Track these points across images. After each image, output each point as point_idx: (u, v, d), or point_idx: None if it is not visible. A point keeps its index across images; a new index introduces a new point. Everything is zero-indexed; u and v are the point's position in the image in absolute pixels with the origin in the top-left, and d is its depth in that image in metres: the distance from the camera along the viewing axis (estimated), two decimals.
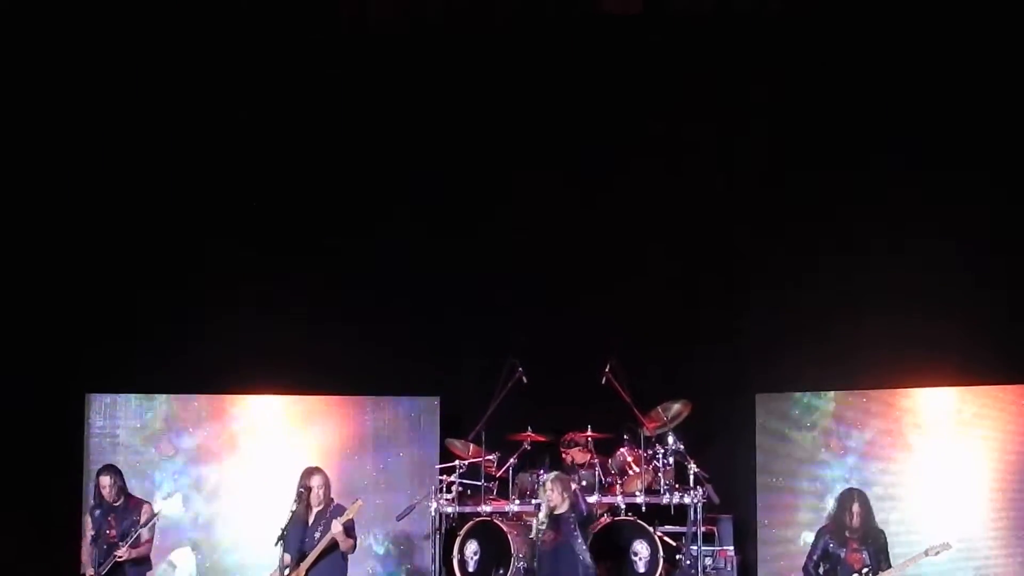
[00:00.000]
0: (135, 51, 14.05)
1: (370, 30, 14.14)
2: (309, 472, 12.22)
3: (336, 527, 11.90)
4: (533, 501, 12.53)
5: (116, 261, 14.17)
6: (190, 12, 14.02)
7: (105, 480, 12.32)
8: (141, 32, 14.03)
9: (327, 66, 14.18)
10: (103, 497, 12.29)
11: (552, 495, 11.81)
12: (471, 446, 13.33)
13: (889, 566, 11.57)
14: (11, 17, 13.70)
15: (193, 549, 14.16)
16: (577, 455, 13.48)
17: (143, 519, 12.23)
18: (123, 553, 12.09)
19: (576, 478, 13.24)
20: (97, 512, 12.33)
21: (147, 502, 12.55)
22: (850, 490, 12.00)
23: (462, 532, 13.07)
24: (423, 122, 14.28)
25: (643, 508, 13.01)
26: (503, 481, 13.26)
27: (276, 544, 12.00)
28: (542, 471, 12.96)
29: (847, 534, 11.67)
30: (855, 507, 11.71)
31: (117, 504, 12.31)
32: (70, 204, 14.15)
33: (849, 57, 13.85)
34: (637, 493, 13.03)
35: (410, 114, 14.28)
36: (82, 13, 13.89)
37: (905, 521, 12.96)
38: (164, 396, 14.24)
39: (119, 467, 12.58)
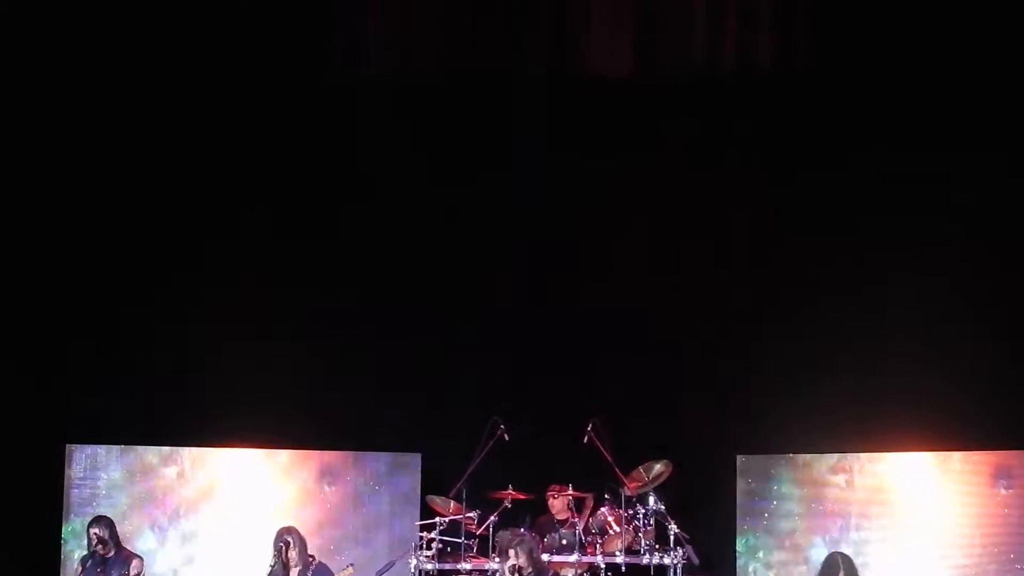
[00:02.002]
0: (112, 98, 14.08)
1: (363, 80, 14.19)
2: (282, 532, 12.28)
3: None
4: (496, 560, 12.54)
5: (95, 313, 14.17)
6: (178, 59, 14.07)
7: (97, 530, 12.32)
8: (120, 77, 14.06)
9: (317, 115, 14.24)
10: (96, 546, 12.25)
11: (520, 559, 11.86)
12: (452, 503, 13.30)
13: None
14: None
15: None
16: (559, 509, 13.47)
17: (132, 573, 12.17)
18: None
19: (556, 537, 13.27)
20: (89, 563, 12.31)
21: (138, 556, 12.55)
22: (835, 555, 11.99)
23: None
24: (414, 176, 14.32)
25: (623, 568, 12.96)
26: (483, 538, 13.22)
27: None
28: (522, 529, 12.95)
29: None
30: (840, 574, 11.72)
31: (108, 556, 12.27)
32: (47, 245, 14.15)
33: (842, 115, 13.91)
34: (617, 553, 12.98)
35: (399, 165, 14.31)
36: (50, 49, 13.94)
37: None
38: (144, 448, 14.18)
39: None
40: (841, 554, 12.05)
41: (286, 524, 12.66)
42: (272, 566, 12.16)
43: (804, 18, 13.76)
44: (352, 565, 12.36)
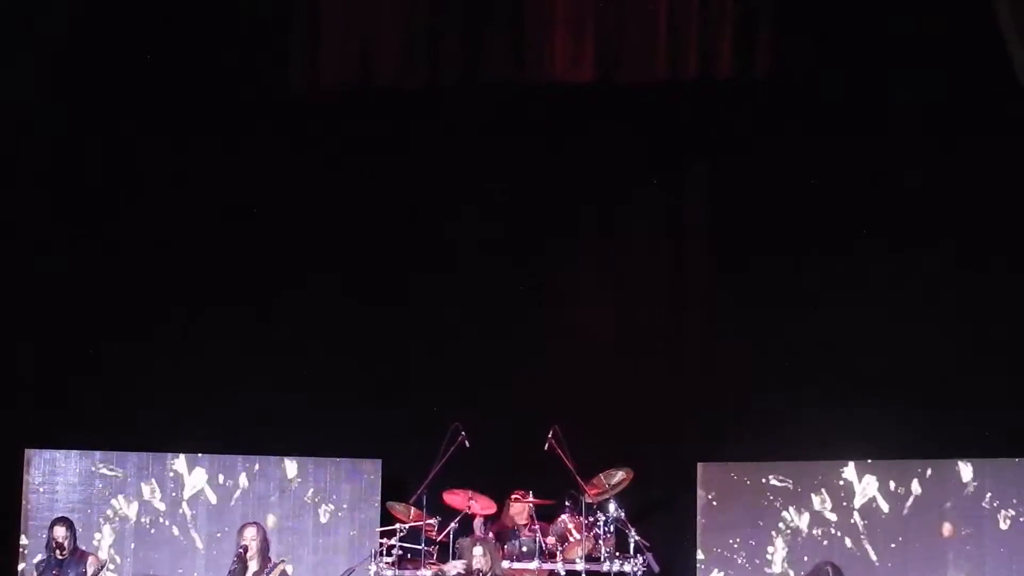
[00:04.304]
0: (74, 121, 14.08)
1: (320, 95, 14.17)
2: (244, 526, 12.36)
3: None
4: (454, 566, 12.55)
5: (56, 319, 14.12)
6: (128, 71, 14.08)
7: (60, 531, 12.33)
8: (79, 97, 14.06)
9: (275, 131, 14.22)
10: (55, 550, 12.22)
11: (482, 560, 11.94)
12: (412, 510, 13.31)
13: None
14: None
15: None
16: (517, 513, 13.48)
17: (90, 571, 12.19)
18: None
19: (517, 544, 13.28)
20: (43, 567, 12.30)
21: (92, 553, 12.58)
22: (824, 565, 12.05)
23: None
24: (367, 186, 14.32)
25: (583, 575, 13.00)
26: (443, 545, 13.23)
27: None
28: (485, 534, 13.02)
29: None
30: None
31: (63, 558, 12.27)
32: (12, 254, 14.11)
33: (802, 123, 13.95)
34: (577, 560, 13.01)
35: (355, 178, 14.32)
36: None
37: None
38: (104, 453, 14.13)
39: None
40: (832, 564, 12.10)
41: (251, 520, 12.69)
42: (231, 570, 12.18)
43: (767, 25, 13.80)
44: (284, 560, 12.36)
